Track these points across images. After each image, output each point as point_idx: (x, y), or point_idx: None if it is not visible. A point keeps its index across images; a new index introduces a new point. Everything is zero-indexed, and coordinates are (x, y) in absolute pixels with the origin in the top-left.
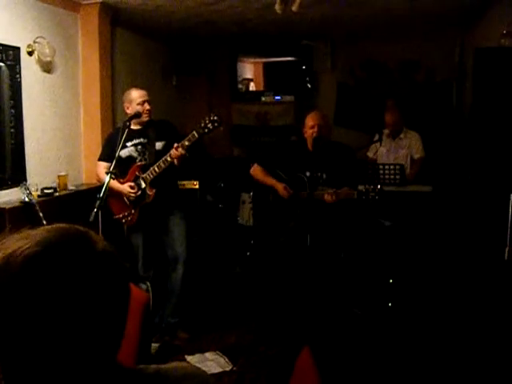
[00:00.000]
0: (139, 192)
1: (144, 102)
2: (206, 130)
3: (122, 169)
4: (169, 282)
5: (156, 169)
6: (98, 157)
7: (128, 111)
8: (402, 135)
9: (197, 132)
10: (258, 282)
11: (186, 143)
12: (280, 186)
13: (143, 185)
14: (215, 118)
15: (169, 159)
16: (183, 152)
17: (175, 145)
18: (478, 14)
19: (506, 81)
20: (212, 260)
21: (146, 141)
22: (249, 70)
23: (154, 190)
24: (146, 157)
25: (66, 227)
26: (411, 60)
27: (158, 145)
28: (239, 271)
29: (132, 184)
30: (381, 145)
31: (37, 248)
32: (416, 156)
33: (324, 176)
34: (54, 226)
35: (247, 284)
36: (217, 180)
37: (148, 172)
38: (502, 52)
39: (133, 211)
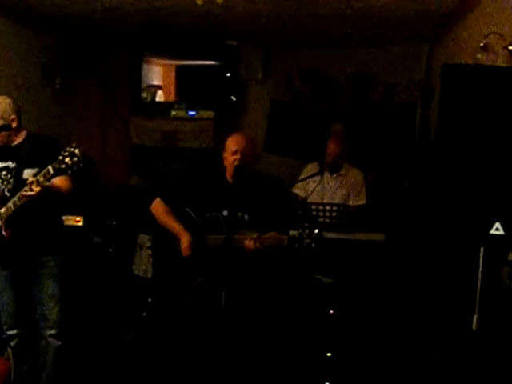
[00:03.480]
0: None
1: None
2: (63, 166)
3: None
4: (40, 349)
5: (11, 206)
6: None
7: None
8: (343, 171)
9: (52, 167)
10: (156, 353)
11: (41, 179)
12: (184, 239)
13: None
14: (75, 151)
15: (22, 197)
16: (37, 190)
17: (29, 179)
18: (449, 21)
19: (480, 105)
20: (97, 322)
21: (14, 165)
22: (157, 75)
23: (8, 231)
24: (10, 187)
25: None
26: (366, 73)
27: (27, 173)
28: (132, 337)
29: None
30: (322, 179)
31: None
32: (355, 202)
33: (246, 216)
34: None
35: (142, 355)
36: (107, 216)
37: (5, 207)
38: (476, 70)
39: None
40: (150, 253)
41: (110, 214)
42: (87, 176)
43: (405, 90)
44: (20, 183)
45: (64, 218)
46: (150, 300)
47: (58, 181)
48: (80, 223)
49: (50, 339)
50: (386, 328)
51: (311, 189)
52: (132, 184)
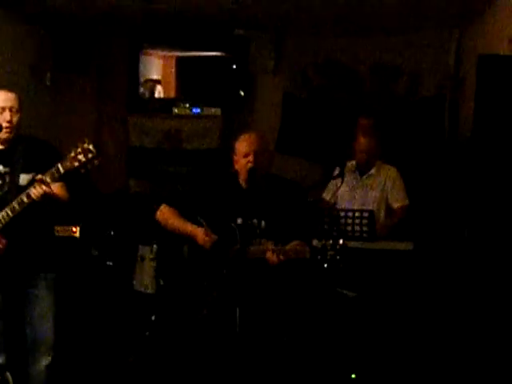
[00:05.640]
0: None
1: (3, 109)
2: (76, 164)
3: None
4: (29, 377)
5: (9, 212)
6: None
7: None
8: (373, 170)
9: (62, 166)
10: (162, 377)
11: (48, 180)
12: (199, 232)
13: None
14: (90, 147)
15: (25, 200)
16: (48, 190)
17: (38, 177)
18: (481, 6)
19: None
20: (94, 344)
21: (6, 169)
22: (155, 68)
23: (4, 242)
24: (3, 193)
25: None
26: (388, 65)
27: (23, 178)
28: (133, 360)
29: None
30: (342, 182)
31: None
32: (397, 204)
33: (263, 224)
34: None
35: (145, 379)
36: (105, 226)
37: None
38: None
39: None
40: (153, 265)
41: (108, 223)
42: (81, 181)
43: (431, 81)
44: (16, 190)
45: (59, 228)
46: (153, 318)
47: (55, 187)
48: (76, 234)
49: (42, 368)
50: (414, 345)
51: (340, 193)
52: (131, 190)
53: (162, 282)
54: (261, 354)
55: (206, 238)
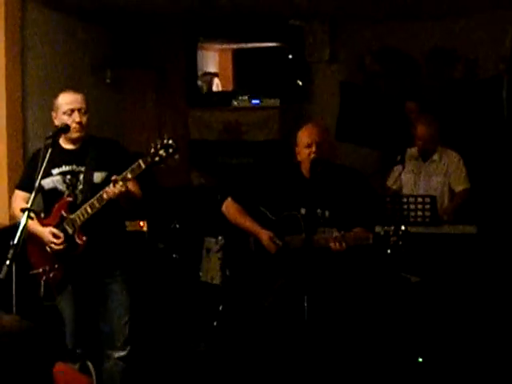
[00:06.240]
0: (63, 241)
1: (72, 110)
2: (157, 159)
3: (46, 204)
4: (103, 371)
5: (88, 209)
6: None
7: (56, 122)
8: (435, 156)
9: (144, 161)
10: (231, 365)
11: (129, 176)
12: (264, 236)
13: (70, 230)
14: (169, 142)
15: (105, 197)
16: (123, 189)
17: (113, 177)
18: None
19: None
20: (165, 335)
21: (80, 169)
22: (212, 61)
23: (84, 238)
24: (78, 192)
25: None
26: (445, 48)
27: (98, 176)
28: (204, 349)
29: (54, 230)
30: (403, 169)
31: None
32: (458, 187)
33: (326, 213)
34: None
35: (216, 367)
36: (170, 219)
37: (78, 213)
38: None
39: (56, 265)
40: (219, 257)
41: (173, 216)
42: (146, 175)
43: (489, 63)
44: (91, 188)
45: (127, 223)
46: (220, 308)
47: (130, 185)
48: (144, 228)
49: (117, 361)
50: (479, 329)
51: (403, 180)
52: (194, 183)
53: (228, 273)
54: (328, 339)
55: (271, 244)
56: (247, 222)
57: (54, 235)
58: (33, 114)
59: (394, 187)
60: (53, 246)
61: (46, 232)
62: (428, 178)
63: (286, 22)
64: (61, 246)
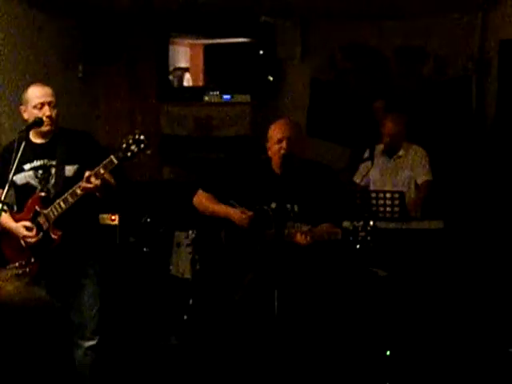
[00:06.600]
0: (39, 234)
1: (42, 104)
2: (129, 154)
3: (19, 199)
4: (75, 361)
5: (62, 204)
6: None
7: (25, 116)
8: (401, 152)
9: (116, 157)
10: (201, 359)
11: (102, 171)
12: (235, 214)
13: (44, 225)
14: (141, 137)
15: (79, 192)
16: (97, 183)
17: (86, 173)
18: None
19: None
20: (135, 328)
21: (51, 162)
22: (183, 56)
23: (59, 233)
24: (50, 186)
25: None
26: (414, 46)
27: (69, 169)
28: (174, 342)
29: (28, 224)
30: (372, 165)
31: None
32: (421, 179)
33: (296, 208)
34: None
35: (186, 360)
36: (141, 213)
37: (51, 208)
38: None
39: (32, 260)
40: (189, 251)
41: (144, 210)
42: (116, 170)
43: (458, 63)
44: (64, 181)
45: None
46: (191, 302)
47: (106, 175)
48: (116, 222)
49: (87, 351)
50: (445, 323)
51: (370, 176)
52: (164, 177)
53: (198, 267)
54: (299, 335)
55: (243, 216)
56: (216, 206)
57: (27, 228)
58: (3, 109)
59: (362, 183)
60: (27, 239)
61: (20, 227)
62: (395, 173)
63: (257, 18)
64: (34, 239)
